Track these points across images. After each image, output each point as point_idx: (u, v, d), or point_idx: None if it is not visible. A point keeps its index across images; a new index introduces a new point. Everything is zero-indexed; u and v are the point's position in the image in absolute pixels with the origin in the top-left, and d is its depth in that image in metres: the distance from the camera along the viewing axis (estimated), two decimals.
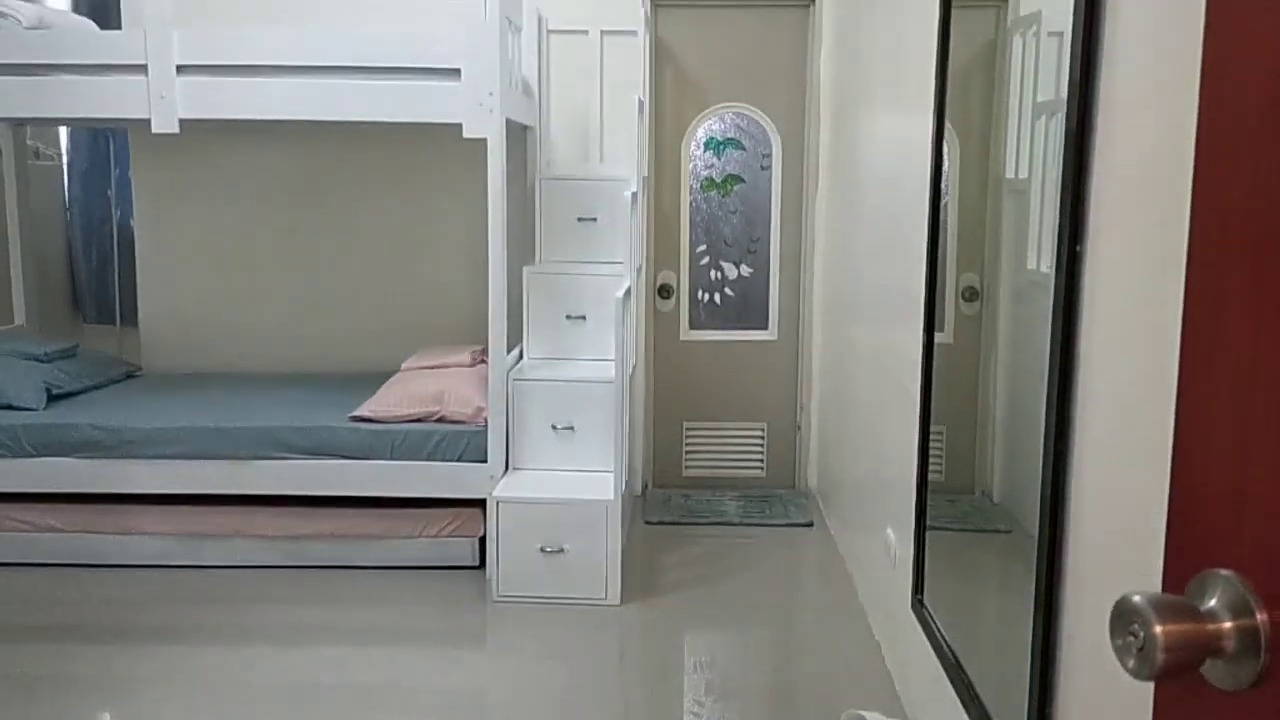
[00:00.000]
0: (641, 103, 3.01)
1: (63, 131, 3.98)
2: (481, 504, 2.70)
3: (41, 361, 2.99)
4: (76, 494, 2.78)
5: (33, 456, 2.73)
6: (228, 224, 3.42)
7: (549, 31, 3.31)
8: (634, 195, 2.83)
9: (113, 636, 2.42)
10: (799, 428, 3.53)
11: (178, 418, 2.77)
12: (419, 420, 2.79)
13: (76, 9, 3.69)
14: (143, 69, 2.59)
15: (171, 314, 3.46)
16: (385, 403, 2.82)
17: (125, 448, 2.72)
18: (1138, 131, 1.09)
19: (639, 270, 3.12)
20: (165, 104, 2.60)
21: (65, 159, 4.10)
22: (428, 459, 2.75)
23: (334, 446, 2.75)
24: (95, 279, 4.13)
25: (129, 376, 3.30)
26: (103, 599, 2.61)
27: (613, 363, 2.70)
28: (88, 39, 2.59)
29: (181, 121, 2.63)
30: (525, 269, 3.04)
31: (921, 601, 1.85)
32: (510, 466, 2.79)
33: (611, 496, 2.60)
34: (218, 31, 2.62)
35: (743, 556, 2.97)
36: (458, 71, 2.60)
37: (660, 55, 3.40)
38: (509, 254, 2.71)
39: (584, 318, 3.03)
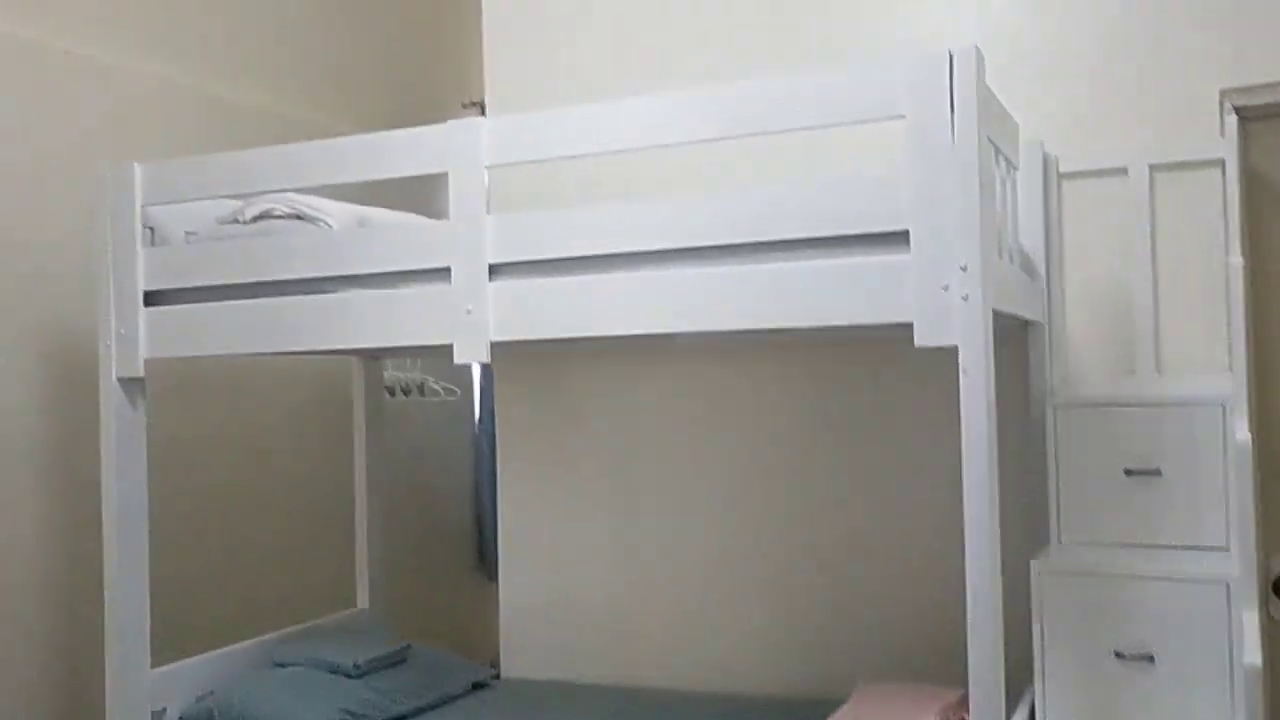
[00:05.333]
0: (1238, 265, 1.72)
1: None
2: None
3: (350, 676, 2.22)
4: None
5: None
6: (606, 480, 2.53)
7: (1060, 175, 2.14)
8: (1231, 426, 1.52)
9: None
10: None
11: None
12: None
13: None
14: (444, 274, 1.80)
15: (536, 601, 2.59)
16: None
17: None
18: None
19: (1251, 562, 1.73)
20: (472, 322, 1.77)
21: (477, 388, 3.55)
22: None
23: None
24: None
25: (477, 686, 2.44)
26: None
27: None
28: (371, 240, 1.86)
29: (495, 346, 1.79)
30: (1034, 562, 1.79)
31: None
32: None
33: None
34: (543, 215, 1.77)
35: None
36: (903, 237, 1.51)
37: (1257, 194, 2.07)
38: (1002, 533, 1.51)
39: (1151, 659, 1.69)
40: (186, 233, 2.21)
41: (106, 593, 2.06)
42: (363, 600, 2.70)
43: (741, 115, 1.62)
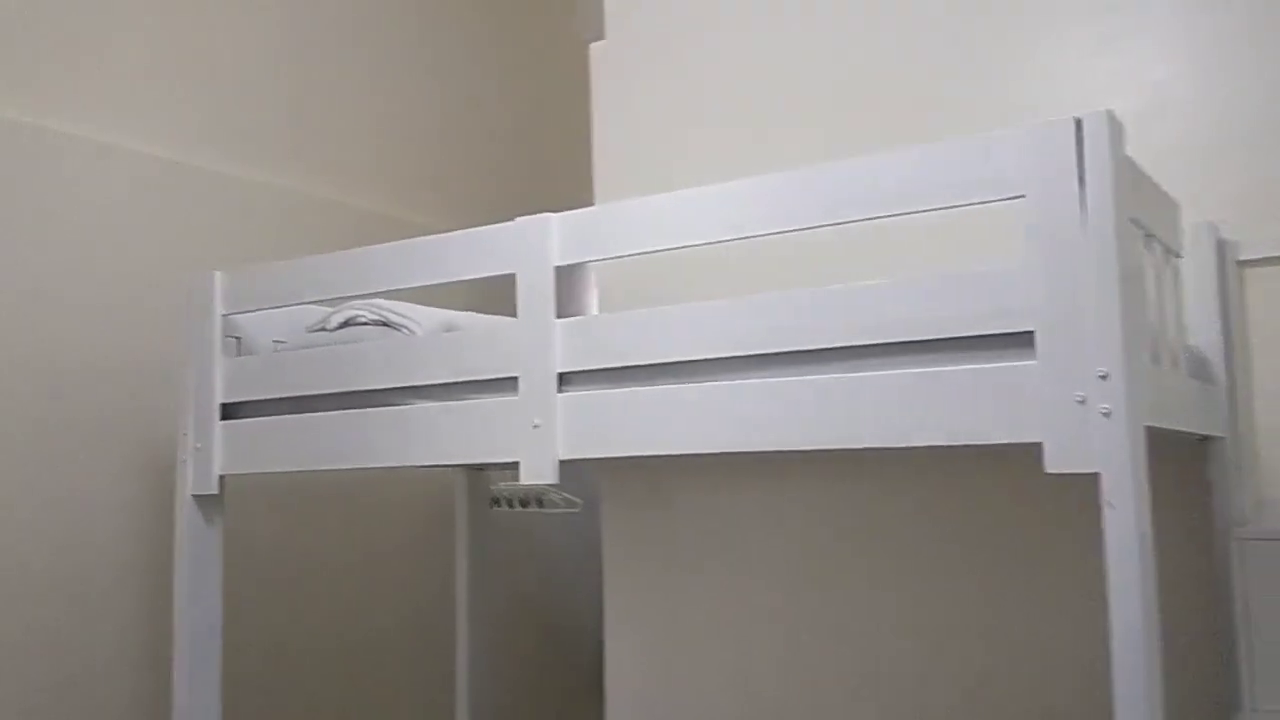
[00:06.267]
0: None
1: None
2: None
3: None
4: None
5: None
6: (717, 602, 2.28)
7: (1240, 263, 1.81)
8: None
9: None
10: None
11: None
12: None
13: None
14: (512, 384, 1.63)
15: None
16: None
17: None
18: None
19: None
20: (539, 437, 1.58)
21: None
22: None
23: None
24: None
25: None
26: None
27: None
28: (436, 348, 1.71)
29: (563, 465, 1.60)
30: None
31: None
32: None
33: None
34: (616, 317, 1.58)
35: None
36: (1026, 339, 1.25)
37: None
38: (1174, 697, 1.19)
39: None
40: (275, 341, 2.14)
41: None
42: None
43: (820, 201, 1.40)
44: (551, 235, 1.61)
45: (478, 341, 1.67)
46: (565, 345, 1.58)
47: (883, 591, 2.10)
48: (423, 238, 1.74)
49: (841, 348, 1.40)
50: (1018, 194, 1.27)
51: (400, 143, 3.17)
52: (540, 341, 1.59)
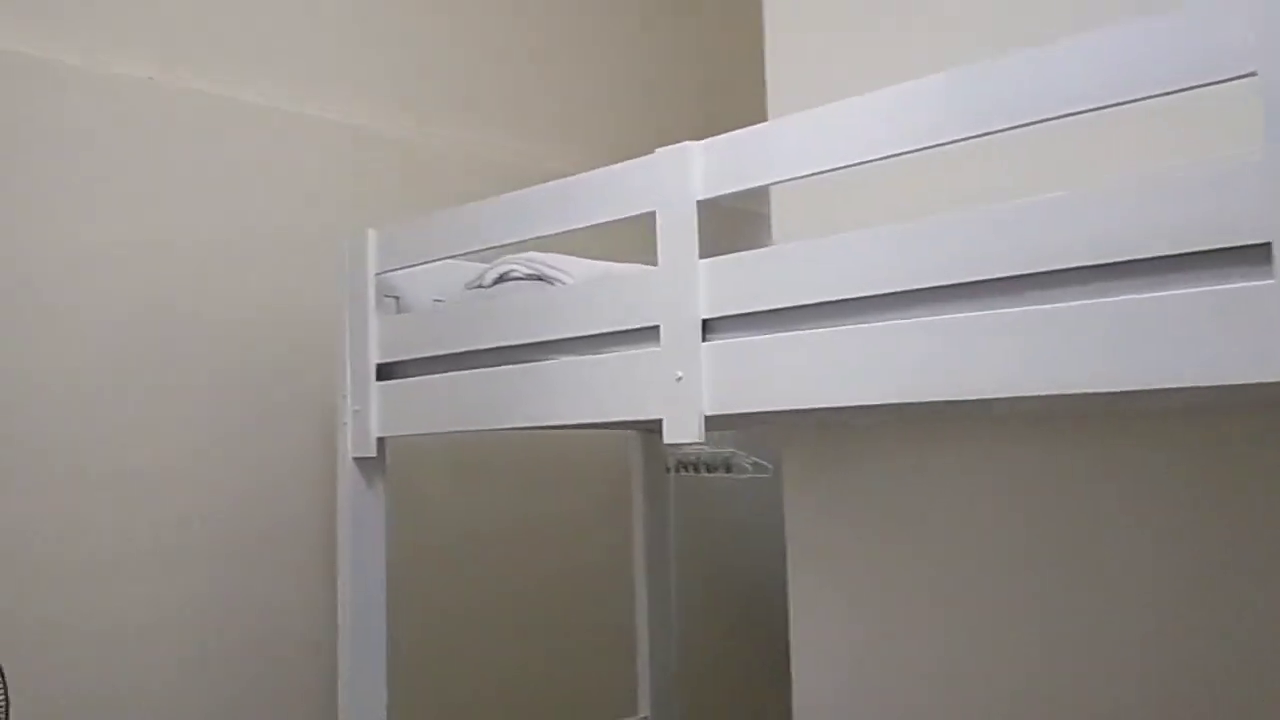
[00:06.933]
0: None
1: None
2: None
3: None
4: None
5: None
6: (913, 581, 2.05)
7: None
8: None
9: None
10: None
11: None
12: None
13: None
14: (653, 334, 1.47)
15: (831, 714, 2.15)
16: None
17: None
18: None
19: None
20: (683, 392, 1.42)
21: None
22: None
23: None
24: None
25: None
26: None
27: None
28: (575, 297, 1.57)
29: (709, 420, 1.43)
30: None
31: None
32: None
33: None
34: (767, 253, 1.39)
35: None
36: (1261, 253, 0.98)
37: None
38: None
39: None
40: (435, 301, 2.08)
41: (340, 690, 1.92)
42: (644, 708, 2.40)
43: (1004, 101, 1.17)
44: (693, 165, 1.44)
45: (616, 288, 1.53)
46: (710, 288, 1.41)
47: (1116, 563, 1.82)
48: (548, 183, 1.62)
49: (1031, 274, 1.16)
50: (1247, 70, 1.00)
51: (541, 84, 3.07)
52: (682, 285, 1.43)
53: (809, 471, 2.23)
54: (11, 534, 2.00)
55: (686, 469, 2.96)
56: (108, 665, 2.09)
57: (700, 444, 1.46)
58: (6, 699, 1.73)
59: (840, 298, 1.31)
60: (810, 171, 1.35)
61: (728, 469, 2.90)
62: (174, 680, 2.17)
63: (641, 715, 2.38)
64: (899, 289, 1.26)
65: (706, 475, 2.94)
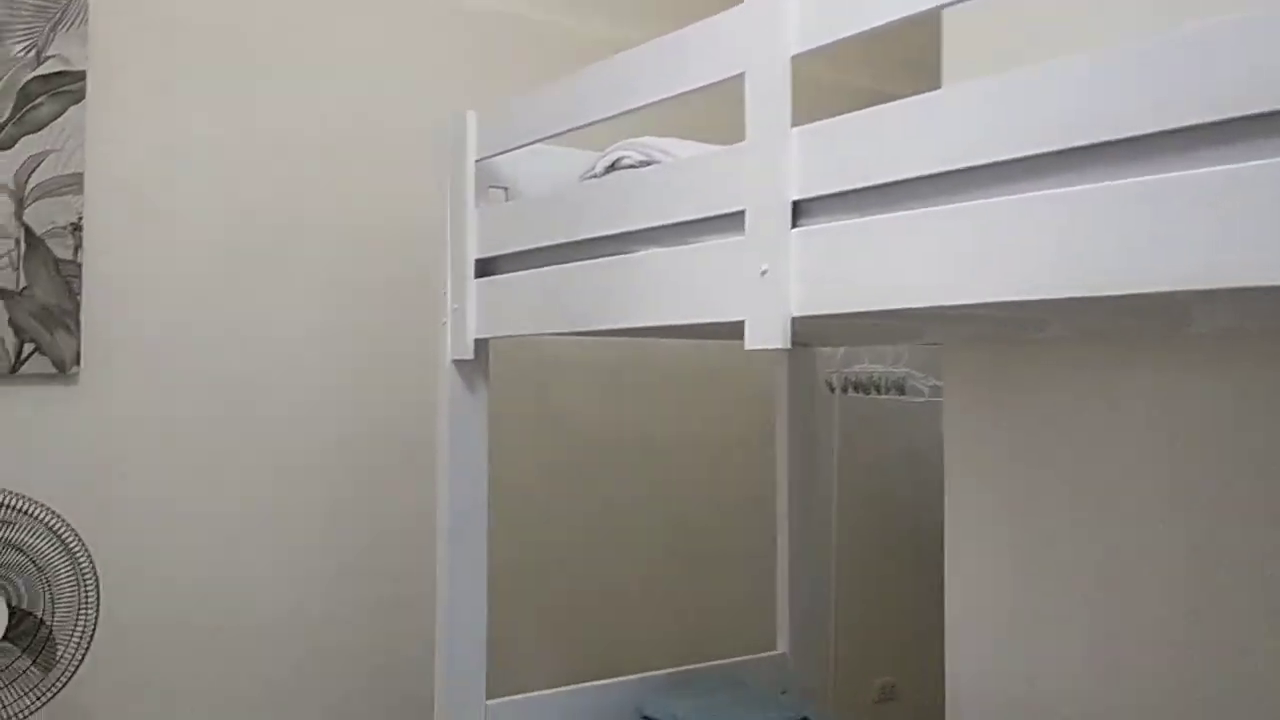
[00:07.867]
0: None
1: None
2: None
3: None
4: None
5: None
6: (1080, 524, 1.73)
7: None
8: None
9: None
10: None
11: None
12: None
13: None
14: (738, 221, 1.23)
15: (986, 675, 1.87)
16: None
17: None
18: None
19: None
20: (768, 288, 1.18)
21: None
22: None
23: None
24: None
25: None
26: None
27: None
28: (658, 180, 1.35)
29: (799, 323, 1.18)
30: None
31: None
32: None
33: None
34: (872, 116, 1.11)
35: None
36: None
37: None
38: None
39: None
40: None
41: (439, 606, 1.82)
42: (783, 644, 2.19)
43: None
44: (788, 15, 1.18)
45: (698, 168, 1.30)
46: (802, 162, 1.16)
47: None
48: (621, 54, 1.40)
49: (1199, 126, 0.85)
50: None
51: None
52: (769, 159, 1.18)
53: (976, 390, 1.93)
54: (120, 427, 2.02)
55: (854, 389, 2.69)
56: (229, 551, 2.10)
57: (784, 349, 1.23)
58: (99, 594, 1.74)
59: (962, 165, 1.03)
60: (931, 5, 1.06)
61: (900, 391, 2.61)
62: (296, 574, 2.16)
63: (780, 651, 2.18)
64: (1042, 150, 0.96)
65: (877, 397, 2.66)
